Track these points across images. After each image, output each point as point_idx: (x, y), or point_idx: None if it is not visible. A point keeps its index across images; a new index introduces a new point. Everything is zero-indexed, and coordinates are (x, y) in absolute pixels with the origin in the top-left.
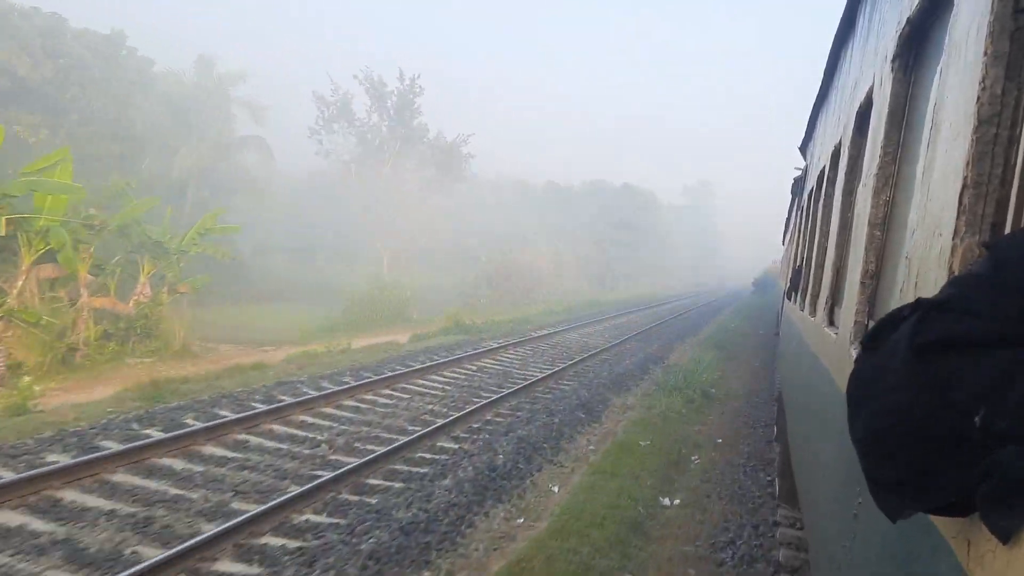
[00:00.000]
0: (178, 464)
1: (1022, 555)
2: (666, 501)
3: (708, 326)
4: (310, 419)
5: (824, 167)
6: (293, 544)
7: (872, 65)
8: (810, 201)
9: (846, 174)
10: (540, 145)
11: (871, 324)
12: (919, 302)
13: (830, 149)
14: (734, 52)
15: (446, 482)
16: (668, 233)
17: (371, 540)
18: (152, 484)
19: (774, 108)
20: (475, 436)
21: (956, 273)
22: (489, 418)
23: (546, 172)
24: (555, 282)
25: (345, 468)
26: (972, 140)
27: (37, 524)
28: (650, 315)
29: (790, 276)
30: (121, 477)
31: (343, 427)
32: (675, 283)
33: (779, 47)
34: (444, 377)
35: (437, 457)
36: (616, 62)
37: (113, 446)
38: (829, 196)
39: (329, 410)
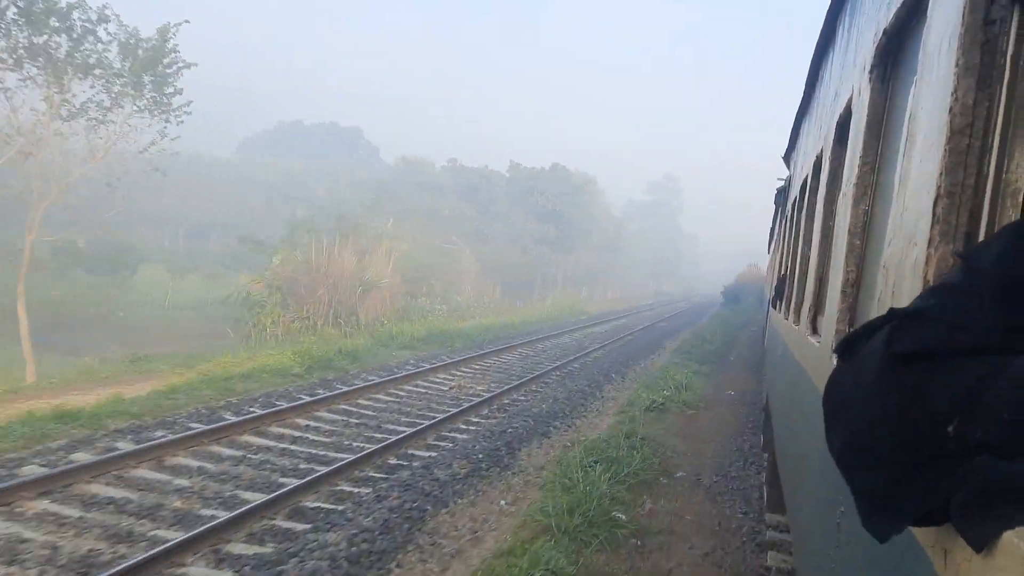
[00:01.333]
0: None
1: (996, 563)
2: None
3: (603, 399)
4: None
5: (807, 177)
6: None
7: (851, 76)
8: (793, 210)
9: (827, 184)
10: (469, 125)
11: (853, 330)
12: (892, 312)
13: (812, 159)
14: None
15: None
16: (623, 231)
17: None
18: None
19: (752, 106)
20: None
21: (930, 282)
22: None
23: (475, 155)
24: (420, 293)
25: None
26: (945, 150)
27: None
28: (498, 367)
29: (775, 285)
30: None
31: None
32: (628, 292)
33: (757, 50)
34: None
35: None
36: (578, 37)
37: None
38: (811, 205)
39: None
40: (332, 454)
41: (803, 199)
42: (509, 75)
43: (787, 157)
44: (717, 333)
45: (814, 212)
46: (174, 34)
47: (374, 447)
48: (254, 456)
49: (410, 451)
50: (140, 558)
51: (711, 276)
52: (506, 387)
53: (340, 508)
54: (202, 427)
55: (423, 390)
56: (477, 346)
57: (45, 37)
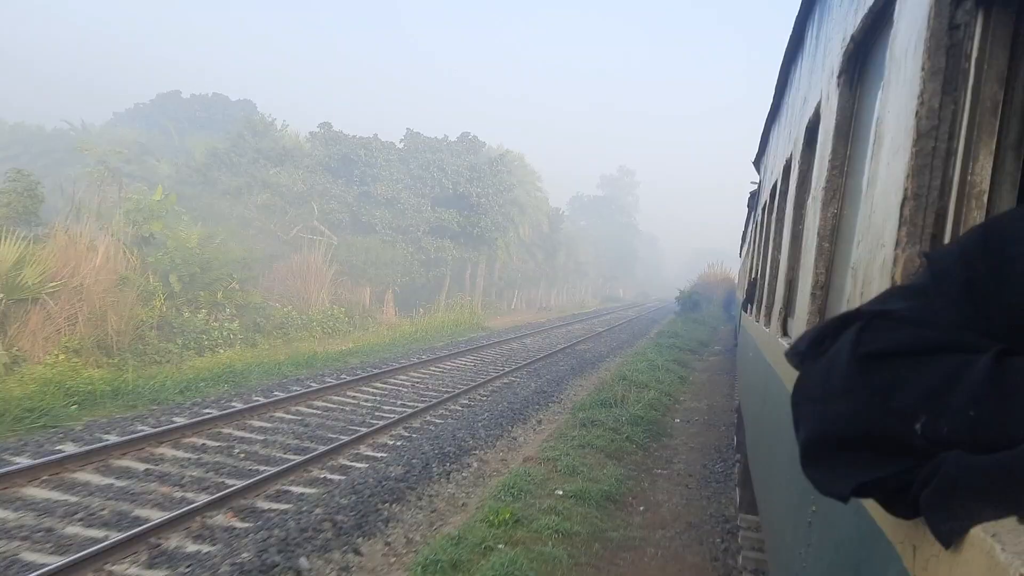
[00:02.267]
0: None
1: (964, 558)
2: None
3: None
4: None
5: (777, 181)
6: None
7: (820, 81)
8: (764, 214)
9: (797, 187)
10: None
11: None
12: (859, 311)
13: (782, 163)
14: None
15: None
16: (564, 227)
17: None
18: None
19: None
20: None
21: (898, 283)
22: None
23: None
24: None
25: None
26: (912, 153)
27: None
28: None
29: (747, 288)
30: None
31: None
32: (571, 298)
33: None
34: None
35: None
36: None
37: None
38: (781, 209)
39: None
40: None
41: (773, 203)
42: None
43: (757, 162)
44: (659, 365)
45: (784, 216)
46: None
47: None
48: None
49: None
50: None
51: (672, 279)
52: None
53: None
54: None
55: None
56: (98, 430)
57: None
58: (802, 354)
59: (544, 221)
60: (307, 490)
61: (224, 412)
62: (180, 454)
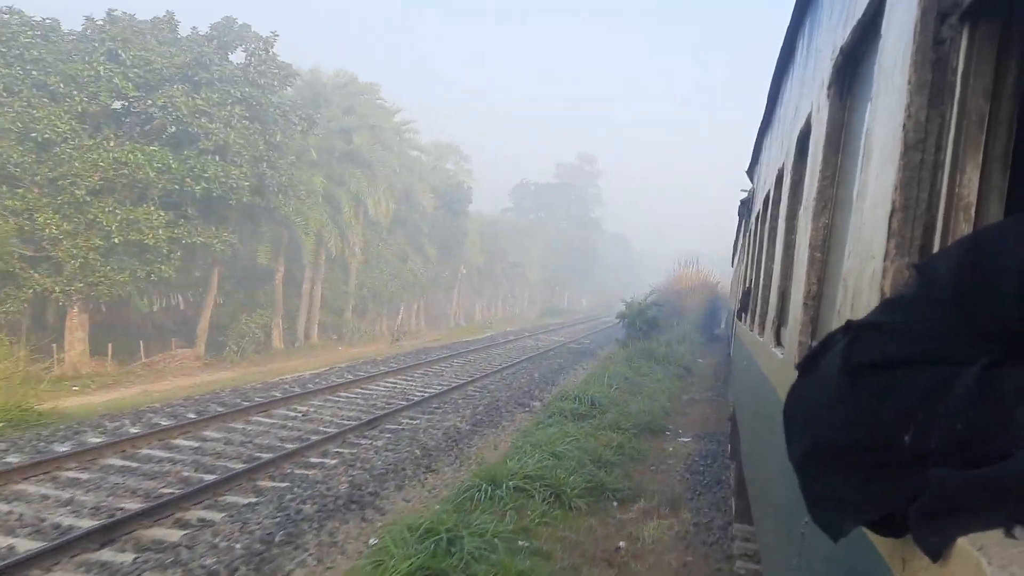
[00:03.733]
0: None
1: (952, 572)
2: None
3: None
4: None
5: (769, 190)
6: None
7: (811, 92)
8: (757, 223)
9: (789, 198)
10: None
11: (814, 344)
12: (849, 324)
13: (774, 173)
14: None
15: None
16: (468, 213)
17: None
18: None
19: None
20: None
21: (887, 294)
22: None
23: None
24: None
25: None
26: (899, 165)
27: None
28: None
29: (740, 297)
30: None
31: None
32: (504, 312)
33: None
34: None
35: None
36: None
37: None
38: (774, 219)
39: None
40: None
41: (766, 212)
42: None
43: (750, 171)
44: None
45: (776, 225)
46: None
47: None
48: None
49: None
50: None
51: (649, 288)
52: None
53: None
54: None
55: None
56: None
57: None
58: (797, 369)
59: (427, 197)
60: None
61: None
62: None
